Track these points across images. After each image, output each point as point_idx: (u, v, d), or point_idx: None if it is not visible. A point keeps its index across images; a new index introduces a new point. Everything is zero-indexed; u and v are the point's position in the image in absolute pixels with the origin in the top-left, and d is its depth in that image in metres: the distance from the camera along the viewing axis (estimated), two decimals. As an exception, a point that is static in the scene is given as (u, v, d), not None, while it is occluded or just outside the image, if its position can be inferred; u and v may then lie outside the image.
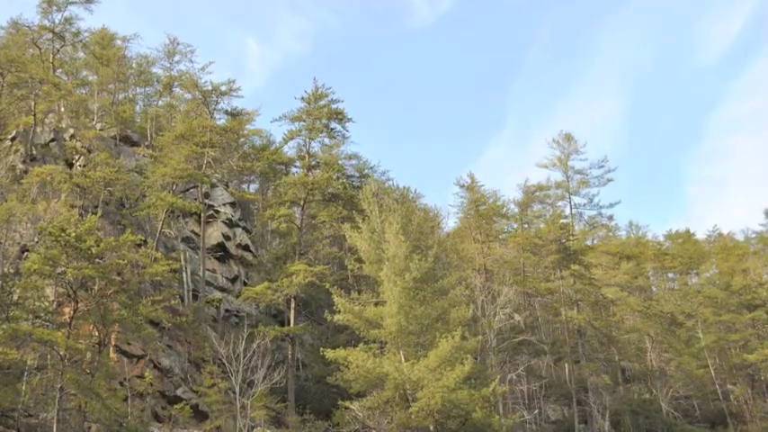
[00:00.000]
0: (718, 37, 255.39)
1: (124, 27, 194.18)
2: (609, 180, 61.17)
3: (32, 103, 50.98)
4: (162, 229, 47.13)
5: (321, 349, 38.70)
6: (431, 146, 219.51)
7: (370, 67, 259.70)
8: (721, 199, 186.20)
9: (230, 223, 54.31)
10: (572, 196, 61.82)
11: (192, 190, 52.43)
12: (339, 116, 49.62)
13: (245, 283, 51.33)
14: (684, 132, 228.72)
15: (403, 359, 35.90)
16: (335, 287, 40.10)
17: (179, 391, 38.35)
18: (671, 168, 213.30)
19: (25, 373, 31.03)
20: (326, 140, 51.47)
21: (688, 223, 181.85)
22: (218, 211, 53.72)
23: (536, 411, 52.92)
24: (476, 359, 38.16)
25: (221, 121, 54.92)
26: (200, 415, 37.30)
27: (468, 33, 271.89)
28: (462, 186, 65.86)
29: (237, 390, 35.46)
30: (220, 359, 37.61)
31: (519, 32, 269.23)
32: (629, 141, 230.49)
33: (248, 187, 68.40)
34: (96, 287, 31.67)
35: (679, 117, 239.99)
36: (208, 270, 49.16)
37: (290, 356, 45.10)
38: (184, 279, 46.93)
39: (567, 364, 58.44)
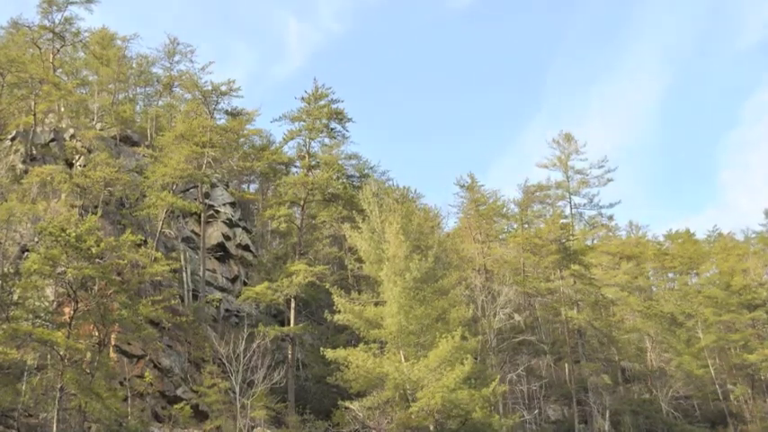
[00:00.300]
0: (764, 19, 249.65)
1: (162, 5, 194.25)
2: (609, 180, 61.25)
3: (32, 103, 50.97)
4: (162, 229, 47.14)
5: (321, 349, 38.69)
6: (458, 137, 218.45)
7: (403, 51, 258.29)
8: (758, 186, 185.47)
9: (230, 223, 54.32)
10: (572, 196, 61.91)
11: (192, 190, 52.43)
12: (339, 116, 49.67)
13: (245, 283, 51.31)
14: (721, 117, 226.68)
15: (403, 359, 35.90)
16: (335, 287, 40.10)
17: (179, 391, 38.36)
18: (705, 153, 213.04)
19: (25, 373, 31.04)
20: (326, 140, 51.55)
21: (720, 209, 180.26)
22: (218, 211, 53.73)
23: (536, 411, 52.93)
24: (476, 359, 38.12)
25: (221, 121, 54.99)
26: (200, 415, 37.28)
27: (504, 16, 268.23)
28: (462, 186, 65.99)
29: (237, 390, 35.48)
30: (220, 359, 37.63)
31: (556, 16, 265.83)
32: (665, 125, 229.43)
33: (248, 187, 68.40)
34: (96, 287, 31.67)
35: (717, 101, 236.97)
36: (208, 270, 49.17)
37: (290, 356, 45.10)
38: (184, 279, 46.95)
39: (567, 364, 58.45)
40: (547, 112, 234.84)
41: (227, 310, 48.86)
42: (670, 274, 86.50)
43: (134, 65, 68.25)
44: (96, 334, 32.32)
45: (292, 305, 45.79)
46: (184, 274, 46.96)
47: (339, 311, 38.59)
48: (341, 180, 51.79)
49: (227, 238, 52.98)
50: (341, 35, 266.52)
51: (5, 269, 34.14)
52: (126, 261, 35.32)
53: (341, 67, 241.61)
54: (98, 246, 30.17)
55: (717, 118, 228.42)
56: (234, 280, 52.01)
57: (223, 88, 53.23)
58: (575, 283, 58.10)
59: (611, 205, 62.95)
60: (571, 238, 59.48)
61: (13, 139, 49.29)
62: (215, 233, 52.37)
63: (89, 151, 48.82)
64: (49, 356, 31.05)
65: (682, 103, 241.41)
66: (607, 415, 53.72)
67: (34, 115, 50.14)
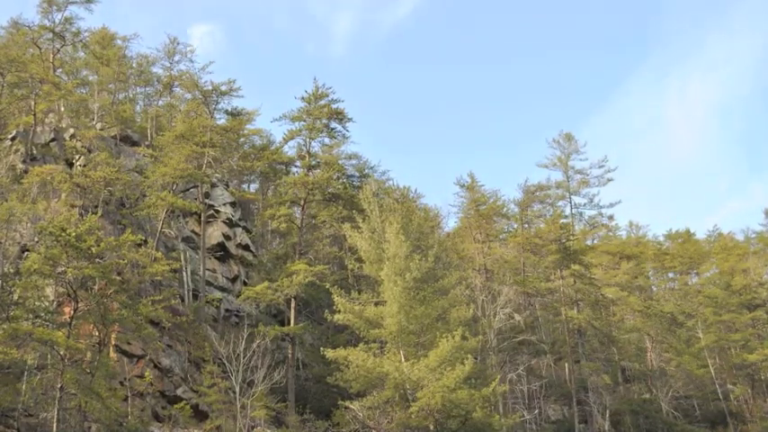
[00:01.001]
0: None
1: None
2: (609, 180, 61.27)
3: (32, 103, 50.96)
4: (162, 228, 47.11)
5: (321, 349, 38.70)
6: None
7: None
8: None
9: (230, 223, 54.30)
10: (572, 196, 61.95)
11: (192, 190, 52.41)
12: (339, 116, 49.69)
13: (245, 283, 51.30)
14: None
15: (403, 359, 35.89)
16: (336, 287, 40.04)
17: (179, 391, 38.34)
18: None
19: (25, 373, 30.98)
20: (327, 140, 51.61)
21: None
22: (218, 211, 53.70)
23: (536, 411, 52.93)
24: (476, 359, 38.12)
25: (221, 120, 55.00)
26: (200, 415, 37.28)
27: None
28: (462, 186, 65.96)
29: (237, 389, 35.45)
30: (220, 359, 37.60)
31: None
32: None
33: (248, 187, 68.38)
34: (96, 287, 31.65)
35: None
36: (208, 270, 49.15)
37: (290, 356, 45.09)
38: (184, 279, 46.93)
39: (567, 364, 58.45)
40: (654, 62, 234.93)
41: (227, 310, 48.85)
42: (670, 274, 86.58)
43: (134, 65, 68.26)
44: (96, 334, 32.32)
45: (292, 305, 45.78)
46: (184, 274, 46.94)
47: (339, 311, 38.55)
48: (341, 180, 51.84)
49: (227, 237, 52.97)
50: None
51: (5, 269, 34.12)
52: (126, 261, 35.33)
53: (456, 13, 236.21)
54: (98, 245, 30.16)
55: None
56: (234, 280, 52.00)
57: (223, 88, 53.37)
58: (575, 282, 58.10)
59: (612, 205, 63.02)
60: (571, 237, 59.45)
61: (13, 139, 49.29)
62: (215, 233, 52.36)
63: (89, 151, 48.81)
64: (49, 356, 31.00)
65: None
66: (607, 415, 53.72)
67: (34, 115, 50.13)
